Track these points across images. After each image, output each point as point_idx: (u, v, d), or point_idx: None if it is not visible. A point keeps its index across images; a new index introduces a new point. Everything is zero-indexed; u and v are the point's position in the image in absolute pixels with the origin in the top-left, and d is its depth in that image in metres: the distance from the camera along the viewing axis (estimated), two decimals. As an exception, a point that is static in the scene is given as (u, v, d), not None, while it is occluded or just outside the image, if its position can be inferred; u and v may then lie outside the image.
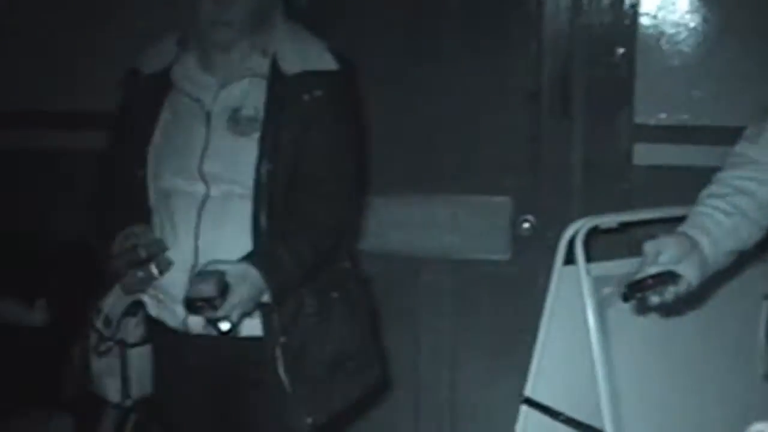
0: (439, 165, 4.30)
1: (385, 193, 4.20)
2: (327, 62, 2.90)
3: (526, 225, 4.27)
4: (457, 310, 4.37)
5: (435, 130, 4.28)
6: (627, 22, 4.07)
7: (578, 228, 3.29)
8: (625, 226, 3.40)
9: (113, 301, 3.01)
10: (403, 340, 4.29)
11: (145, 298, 2.97)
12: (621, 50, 4.08)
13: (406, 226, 4.32)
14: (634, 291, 2.54)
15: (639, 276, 2.54)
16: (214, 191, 2.86)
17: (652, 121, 4.12)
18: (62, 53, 4.40)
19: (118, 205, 2.97)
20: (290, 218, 2.83)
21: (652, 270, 2.53)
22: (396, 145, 4.24)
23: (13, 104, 4.42)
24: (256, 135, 2.84)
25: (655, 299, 2.56)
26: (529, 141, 4.25)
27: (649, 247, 2.56)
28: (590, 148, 4.20)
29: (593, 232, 3.30)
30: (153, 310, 2.97)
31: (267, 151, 2.82)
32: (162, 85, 2.96)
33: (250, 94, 2.89)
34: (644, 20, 4.08)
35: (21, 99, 4.44)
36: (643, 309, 2.93)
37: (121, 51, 3.17)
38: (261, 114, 2.86)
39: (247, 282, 2.71)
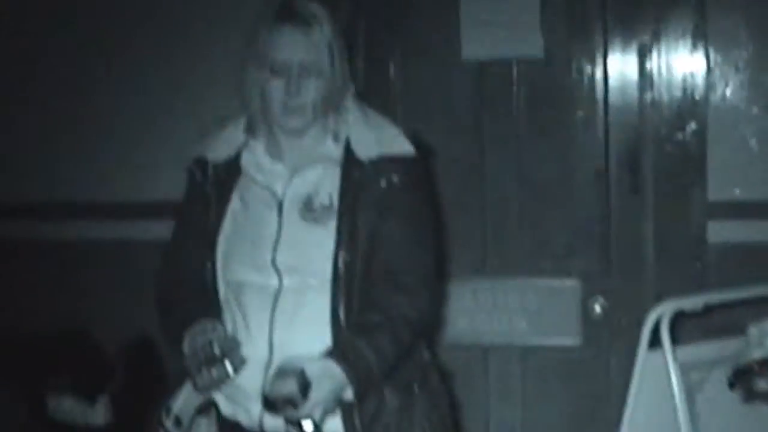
0: (507, 248, 4.20)
1: (450, 278, 4.04)
2: (403, 147, 2.78)
3: (597, 308, 4.14)
4: (528, 398, 4.24)
5: (502, 213, 4.18)
6: (697, 97, 3.95)
7: (663, 311, 3.18)
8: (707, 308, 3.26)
9: (184, 400, 2.86)
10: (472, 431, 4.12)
11: (218, 397, 2.82)
12: (692, 125, 3.94)
13: (473, 312, 4.21)
14: (741, 377, 2.40)
15: (745, 361, 2.40)
16: (288, 283, 2.73)
17: (726, 198, 4.00)
18: (123, 142, 4.35)
19: (187, 300, 2.84)
20: (369, 311, 2.69)
21: (758, 354, 2.39)
22: (462, 229, 4.12)
23: (69, 195, 4.36)
24: (332, 224, 2.72)
25: (763, 385, 2.41)
26: (599, 221, 4.13)
27: (753, 330, 2.42)
28: (662, 226, 4.08)
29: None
30: (227, 409, 2.82)
31: (344, 240, 2.69)
32: (230, 173, 2.85)
33: (323, 181, 2.78)
34: (715, 95, 3.94)
35: (78, 189, 4.39)
36: (749, 396, 2.78)
37: (185, 139, 3.04)
38: (336, 202, 2.73)
39: (330, 379, 2.57)
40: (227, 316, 2.81)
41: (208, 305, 2.82)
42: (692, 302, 3.25)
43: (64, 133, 4.39)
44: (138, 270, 3.77)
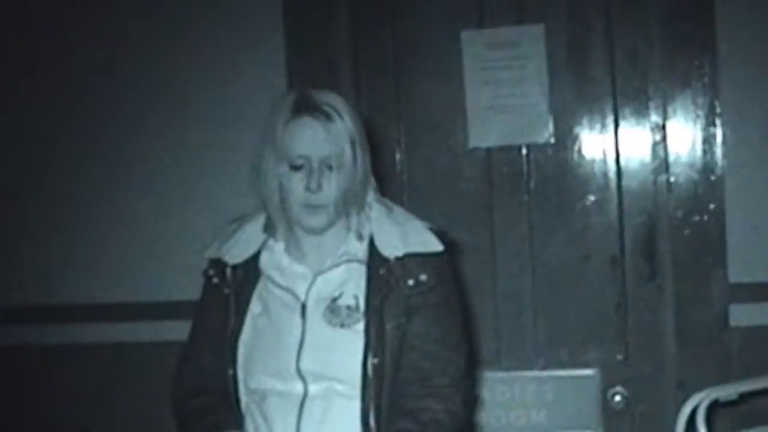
0: (522, 339, 4.07)
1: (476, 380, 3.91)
2: (430, 244, 2.66)
3: (617, 398, 4.02)
4: (548, 494, 4.04)
5: (516, 303, 4.06)
6: (714, 177, 3.85)
7: (698, 401, 3.07)
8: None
9: None
10: None
11: None
12: (710, 206, 3.85)
13: (489, 406, 4.05)
14: None
15: None
16: (314, 390, 2.59)
17: (747, 279, 3.89)
18: (137, 242, 4.24)
19: (207, 409, 2.69)
20: (400, 417, 2.55)
21: None
22: (475, 322, 3.97)
23: (71, 297, 4.26)
24: (358, 326, 2.59)
25: None
26: (616, 309, 4.00)
27: None
28: (682, 311, 3.97)
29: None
30: None
31: (372, 343, 2.56)
32: (250, 275, 2.72)
33: (348, 282, 2.65)
34: (732, 174, 3.86)
35: (82, 291, 4.28)
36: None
37: (200, 238, 2.89)
38: (362, 303, 2.60)
39: (363, 491, 2.41)
40: (250, 426, 2.67)
41: (230, 414, 2.67)
42: (728, 391, 3.14)
43: (70, 233, 4.30)
44: (145, 372, 3.69)
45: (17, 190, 4.33)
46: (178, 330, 2.90)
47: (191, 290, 2.90)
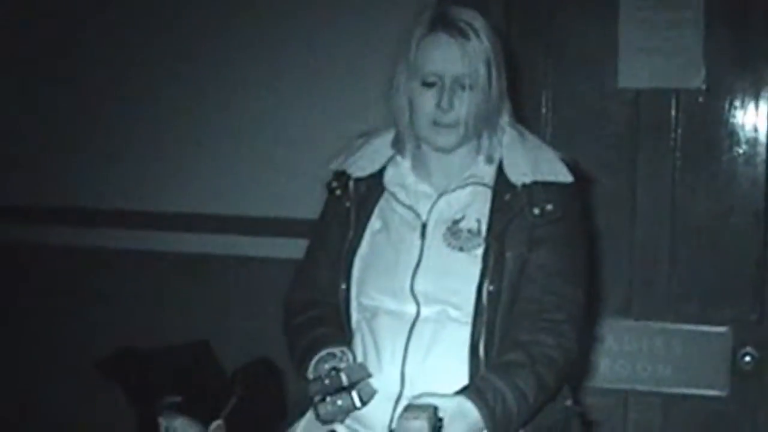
0: (655, 290, 3.96)
1: (594, 320, 3.82)
2: (561, 173, 2.57)
3: (747, 358, 3.89)
4: (669, 451, 3.94)
5: (652, 252, 3.95)
6: None
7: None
8: None
9: (304, 430, 2.67)
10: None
11: (341, 429, 2.62)
12: None
13: (615, 354, 3.96)
14: None
15: None
16: (426, 312, 2.54)
17: None
18: (257, 154, 4.24)
19: (317, 322, 2.66)
20: (512, 348, 2.48)
21: None
22: (608, 267, 3.91)
23: (199, 207, 4.30)
24: (477, 251, 2.52)
25: None
26: (754, 266, 3.86)
27: None
28: (823, 273, 3.77)
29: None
30: (349, 443, 2.61)
31: (489, 270, 2.49)
32: (373, 190, 2.68)
33: (471, 205, 2.59)
34: None
35: (206, 203, 4.31)
36: None
37: (325, 153, 2.85)
38: (484, 228, 2.53)
39: (464, 419, 2.36)
40: (358, 343, 2.63)
41: (339, 330, 2.64)
42: None
43: (194, 144, 4.33)
44: (260, 286, 3.68)
45: (139, 101, 4.36)
46: (300, 248, 2.86)
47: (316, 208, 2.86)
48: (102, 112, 4.37)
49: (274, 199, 4.14)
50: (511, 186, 2.56)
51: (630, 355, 3.97)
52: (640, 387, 3.99)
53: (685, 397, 3.97)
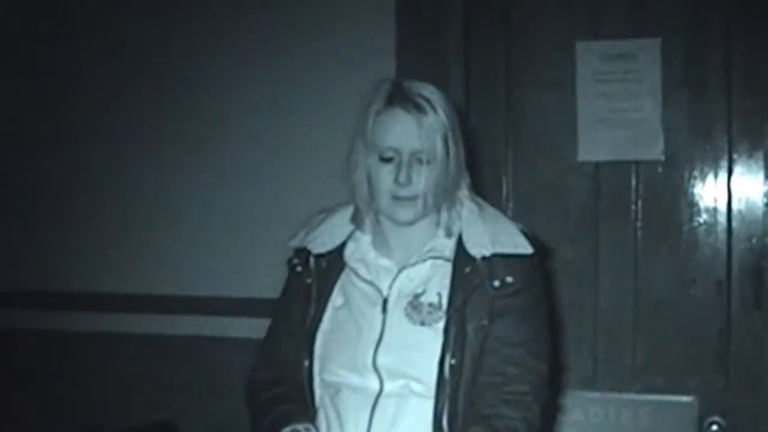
0: (620, 361, 3.95)
1: (558, 390, 3.81)
2: (520, 245, 2.58)
3: (715, 427, 3.88)
4: None
5: (616, 323, 3.94)
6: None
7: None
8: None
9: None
10: None
11: (307, 506, 2.60)
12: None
13: (582, 427, 3.95)
14: None
15: None
16: (389, 387, 2.54)
17: None
18: (216, 235, 4.22)
19: (280, 399, 2.66)
20: (475, 422, 2.48)
21: None
22: (572, 338, 3.91)
23: (160, 288, 4.28)
24: (439, 325, 2.53)
25: None
26: (718, 335, 3.87)
27: None
28: (787, 344, 3.78)
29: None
30: None
31: (451, 343, 2.50)
32: (333, 266, 2.68)
33: (432, 279, 2.59)
34: None
35: (166, 283, 4.29)
36: None
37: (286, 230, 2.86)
38: (444, 301, 2.53)
39: (430, 495, 2.34)
40: (322, 419, 2.63)
41: (303, 406, 2.64)
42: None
43: (159, 227, 4.31)
44: (223, 366, 3.67)
45: (101, 186, 4.36)
46: (263, 327, 2.87)
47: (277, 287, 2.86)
48: (65, 193, 4.35)
49: (236, 279, 4.13)
50: (471, 258, 2.56)
51: (596, 428, 3.95)
52: (608, 459, 3.94)
53: (653, 468, 3.93)
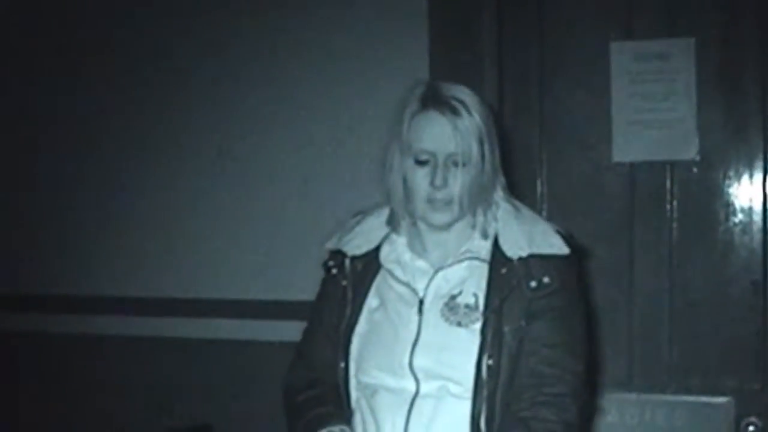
0: (655, 361, 3.93)
1: (594, 391, 3.79)
2: (556, 246, 2.58)
3: (752, 428, 3.86)
4: None
5: (652, 324, 3.92)
6: None
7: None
8: None
9: None
10: None
11: (343, 508, 2.60)
12: None
13: (618, 428, 3.95)
14: None
15: None
16: (425, 389, 2.54)
17: None
18: (256, 241, 4.23)
19: (316, 401, 2.67)
20: (512, 424, 2.47)
21: None
22: (608, 339, 3.89)
23: (191, 292, 4.29)
24: (475, 326, 2.53)
25: None
26: (755, 335, 3.84)
27: None
28: (824, 341, 3.76)
29: None
30: None
31: (488, 344, 2.50)
32: (369, 268, 2.68)
33: (468, 280, 2.59)
34: None
35: (205, 287, 4.28)
36: None
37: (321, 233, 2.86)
38: (481, 302, 2.53)
39: (469, 496, 2.34)
40: (358, 421, 2.64)
41: (339, 408, 2.64)
42: None
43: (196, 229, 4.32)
44: (259, 369, 3.68)
45: (127, 185, 4.38)
46: (299, 330, 2.89)
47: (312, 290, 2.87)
48: (95, 195, 4.37)
49: (272, 282, 4.13)
50: (507, 260, 2.56)
51: (632, 429, 3.94)
52: (644, 460, 3.93)
53: (689, 469, 3.91)
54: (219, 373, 4.20)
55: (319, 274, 2.83)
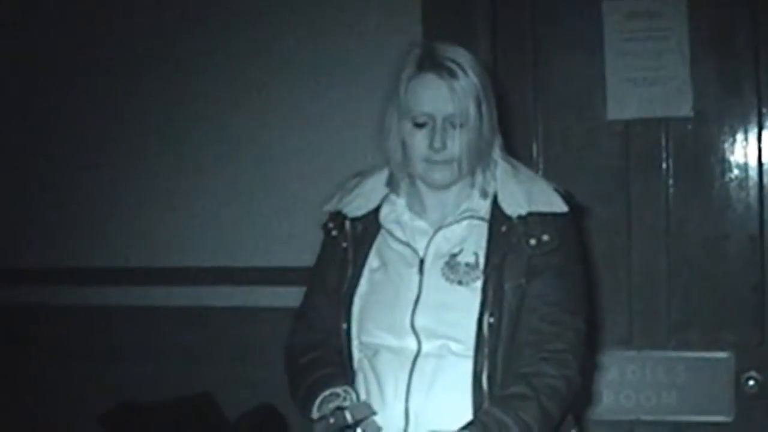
0: (655, 318, 3.95)
1: (594, 348, 3.82)
2: (555, 204, 2.59)
3: (751, 382, 3.87)
4: (676, 481, 3.94)
5: (650, 281, 3.94)
6: None
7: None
8: None
9: (312, 470, 2.67)
10: None
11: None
12: None
13: (618, 386, 3.97)
14: None
15: None
16: (427, 347, 2.55)
17: None
18: (256, 207, 4.24)
19: (318, 363, 2.67)
20: (514, 380, 2.49)
21: None
22: (607, 298, 3.90)
23: (191, 260, 4.29)
24: (476, 284, 2.53)
25: None
26: (752, 290, 3.86)
27: None
28: (822, 294, 3.77)
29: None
30: (356, 481, 2.62)
31: (489, 302, 2.50)
32: (369, 229, 2.69)
33: (468, 239, 2.60)
34: None
35: (199, 255, 4.29)
36: None
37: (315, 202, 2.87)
38: (482, 261, 2.54)
39: (470, 454, 2.35)
40: (360, 381, 2.65)
41: (341, 369, 2.65)
42: None
43: (195, 198, 4.32)
44: (258, 336, 3.68)
45: (132, 157, 4.39)
46: (298, 296, 2.88)
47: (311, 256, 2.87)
48: (96, 169, 4.37)
49: (269, 248, 4.15)
50: (507, 218, 2.57)
51: (633, 385, 3.96)
52: (645, 417, 3.97)
53: (690, 425, 3.95)
54: (217, 341, 4.20)
55: (316, 240, 2.84)
